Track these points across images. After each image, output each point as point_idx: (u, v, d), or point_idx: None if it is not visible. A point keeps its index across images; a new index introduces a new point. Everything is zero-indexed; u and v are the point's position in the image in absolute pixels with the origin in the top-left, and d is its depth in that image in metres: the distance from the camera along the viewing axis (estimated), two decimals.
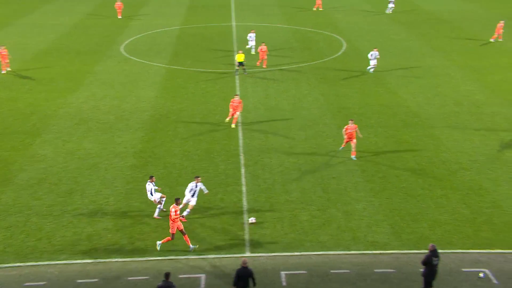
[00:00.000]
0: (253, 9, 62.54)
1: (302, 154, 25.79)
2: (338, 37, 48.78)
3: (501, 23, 45.70)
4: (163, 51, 44.21)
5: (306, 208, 21.22)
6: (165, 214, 20.43)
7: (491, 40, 45.61)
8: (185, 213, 20.34)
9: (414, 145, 26.45)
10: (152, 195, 20.67)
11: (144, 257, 18.38)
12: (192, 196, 20.43)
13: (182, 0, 67.81)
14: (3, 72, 38.07)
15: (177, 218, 18.31)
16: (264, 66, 38.96)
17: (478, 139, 26.88)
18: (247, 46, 42.68)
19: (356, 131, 24.87)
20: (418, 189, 22.37)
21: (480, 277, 16.81)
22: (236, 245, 18.98)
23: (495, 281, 16.73)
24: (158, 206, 20.61)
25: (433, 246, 15.86)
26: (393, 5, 57.71)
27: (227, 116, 29.17)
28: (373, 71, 37.23)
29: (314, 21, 55.88)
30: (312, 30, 51.70)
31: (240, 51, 37.98)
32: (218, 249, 18.69)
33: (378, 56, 37.18)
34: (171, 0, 67.37)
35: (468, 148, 25.92)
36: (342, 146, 25.53)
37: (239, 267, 15.74)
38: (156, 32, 51.05)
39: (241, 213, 20.85)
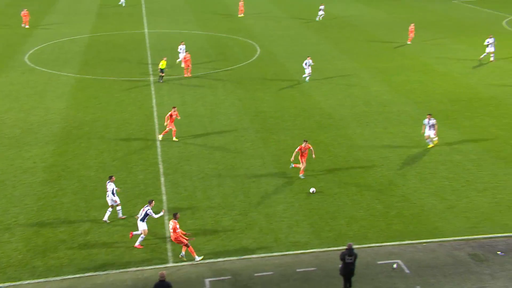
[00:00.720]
0: (166, 16, 61.89)
1: (222, 160, 25.84)
2: (252, 42, 49.52)
3: (411, 26, 48.79)
4: (71, 60, 42.45)
5: (228, 213, 21.28)
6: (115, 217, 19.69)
7: (408, 42, 48.48)
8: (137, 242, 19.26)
9: (329, 146, 27.43)
10: (114, 195, 20.31)
11: (59, 276, 17.47)
12: (142, 220, 18.91)
13: (90, 7, 65.62)
14: None
15: (178, 232, 18.10)
16: (189, 75, 38.56)
17: (387, 137, 28.42)
18: (178, 60, 40.99)
19: (311, 150, 23.93)
20: (334, 188, 23.20)
21: (393, 268, 17.75)
22: (158, 255, 18.60)
23: (407, 271, 17.73)
24: (117, 208, 20.52)
25: (349, 245, 16.50)
26: (323, 13, 59.10)
27: (162, 131, 28.02)
28: (308, 79, 37.44)
29: (227, 26, 56.32)
30: (226, 35, 52.09)
31: (165, 58, 37.48)
32: (139, 261, 18.20)
33: (312, 64, 37.64)
34: (79, 8, 64.98)
35: (378, 146, 27.31)
36: (301, 174, 23.91)
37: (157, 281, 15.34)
38: (64, 40, 48.94)
39: (162, 223, 20.47)
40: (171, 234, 18.25)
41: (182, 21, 59.34)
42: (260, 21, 59.31)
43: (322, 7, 59.13)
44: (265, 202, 22.05)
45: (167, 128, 27.74)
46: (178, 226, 18.18)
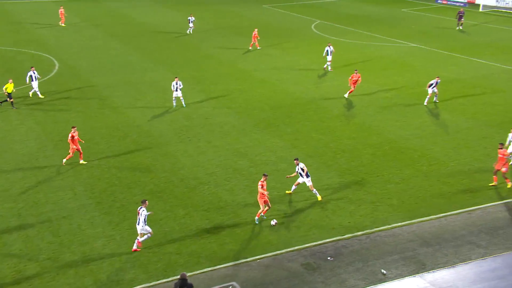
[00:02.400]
0: None
1: (21, 196, 23.85)
2: (47, 56, 46.90)
3: (255, 32, 51.05)
4: None
5: (34, 259, 19.66)
6: None
7: (250, 47, 50.82)
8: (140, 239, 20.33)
9: (150, 166, 27.16)
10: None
11: None
12: (140, 224, 20.13)
13: None
14: None
15: None
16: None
17: (212, 151, 29.22)
18: (33, 91, 36.81)
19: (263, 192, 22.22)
20: (160, 213, 23.00)
21: None
22: None
23: None
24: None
25: (182, 275, 16.41)
26: (192, 25, 57.60)
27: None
28: (181, 103, 35.68)
29: (14, 38, 52.63)
30: (13, 49, 48.50)
31: (10, 80, 34.58)
32: None
33: (181, 86, 35.85)
34: None
35: (203, 162, 27.91)
36: (263, 215, 22.42)
37: None
38: None
39: None
40: None
41: None
42: (56, 31, 56.49)
43: (192, 18, 57.84)
44: (80, 240, 20.89)
45: (71, 153, 26.57)
46: None
